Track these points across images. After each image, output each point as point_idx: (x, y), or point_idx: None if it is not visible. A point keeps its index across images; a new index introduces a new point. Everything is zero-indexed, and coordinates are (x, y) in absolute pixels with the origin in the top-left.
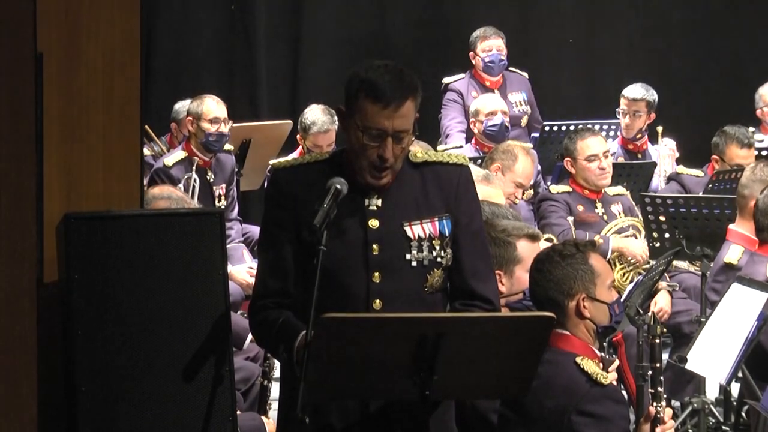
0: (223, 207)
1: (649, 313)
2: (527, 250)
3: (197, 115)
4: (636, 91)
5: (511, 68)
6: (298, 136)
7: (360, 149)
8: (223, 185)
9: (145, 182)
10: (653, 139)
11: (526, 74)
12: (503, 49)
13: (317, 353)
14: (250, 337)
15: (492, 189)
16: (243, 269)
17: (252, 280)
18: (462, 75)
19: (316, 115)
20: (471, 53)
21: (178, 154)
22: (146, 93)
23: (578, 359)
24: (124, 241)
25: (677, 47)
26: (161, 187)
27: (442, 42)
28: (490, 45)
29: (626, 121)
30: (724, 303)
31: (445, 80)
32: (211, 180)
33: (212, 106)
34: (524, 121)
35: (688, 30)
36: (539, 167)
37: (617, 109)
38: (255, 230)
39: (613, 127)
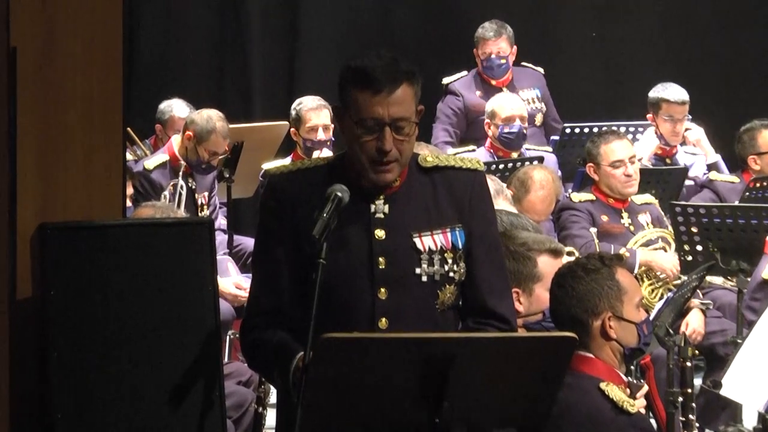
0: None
1: (680, 334)
2: (548, 267)
3: (200, 138)
4: (681, 92)
5: (523, 63)
6: (292, 131)
7: (358, 145)
8: (205, 193)
9: (129, 190)
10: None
11: (541, 70)
12: (504, 51)
13: (316, 376)
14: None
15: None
16: (229, 282)
17: (240, 294)
18: (464, 73)
19: (303, 98)
20: (475, 50)
21: (160, 157)
22: (129, 91)
23: (603, 384)
24: (105, 254)
25: (709, 42)
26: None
27: (451, 36)
28: (489, 49)
29: (677, 128)
30: (763, 322)
31: (445, 80)
32: (193, 187)
33: (219, 142)
34: (539, 119)
35: (719, 24)
36: (565, 194)
37: (658, 116)
38: (247, 242)
39: (641, 129)
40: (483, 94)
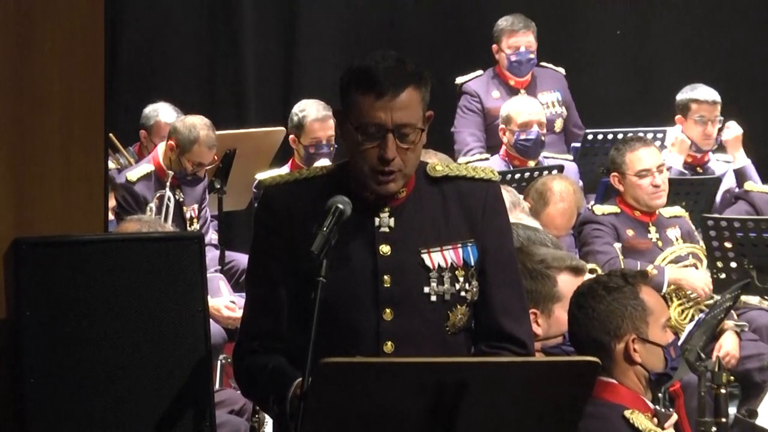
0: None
1: (713, 358)
2: (569, 286)
3: (183, 148)
4: (710, 92)
5: (543, 63)
6: (290, 138)
7: (359, 153)
8: (194, 206)
9: (111, 202)
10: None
11: (562, 70)
12: (533, 45)
13: (315, 405)
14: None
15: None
16: (221, 303)
17: (232, 315)
18: (479, 72)
19: (306, 104)
20: (494, 46)
21: (144, 167)
22: (111, 94)
23: (627, 413)
24: (85, 272)
25: (743, 40)
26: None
27: (463, 33)
28: (518, 42)
29: (708, 130)
30: None
31: (459, 80)
32: (181, 200)
33: (203, 153)
34: (558, 124)
35: (757, 20)
36: (587, 206)
37: (687, 118)
38: (240, 259)
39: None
40: (501, 96)
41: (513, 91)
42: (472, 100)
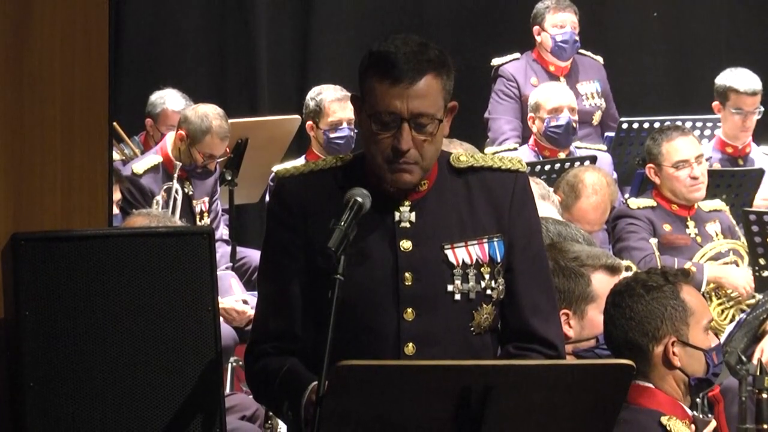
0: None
1: (755, 361)
2: (604, 286)
3: (195, 139)
4: (751, 80)
5: (581, 51)
6: (308, 125)
7: (373, 143)
8: (205, 199)
9: (115, 195)
10: (758, 139)
11: (600, 59)
12: (578, 28)
13: (331, 410)
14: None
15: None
16: (233, 302)
17: (244, 315)
18: (516, 55)
19: (322, 87)
20: (536, 28)
21: (151, 158)
22: (115, 81)
23: (664, 419)
24: (88, 268)
25: None
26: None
27: (498, 12)
28: (563, 20)
29: (747, 123)
30: None
31: (495, 62)
32: (191, 193)
33: (215, 144)
34: (596, 117)
35: None
36: (621, 199)
37: (725, 107)
38: (253, 255)
39: (709, 124)
40: (539, 84)
41: (552, 79)
42: (509, 84)
